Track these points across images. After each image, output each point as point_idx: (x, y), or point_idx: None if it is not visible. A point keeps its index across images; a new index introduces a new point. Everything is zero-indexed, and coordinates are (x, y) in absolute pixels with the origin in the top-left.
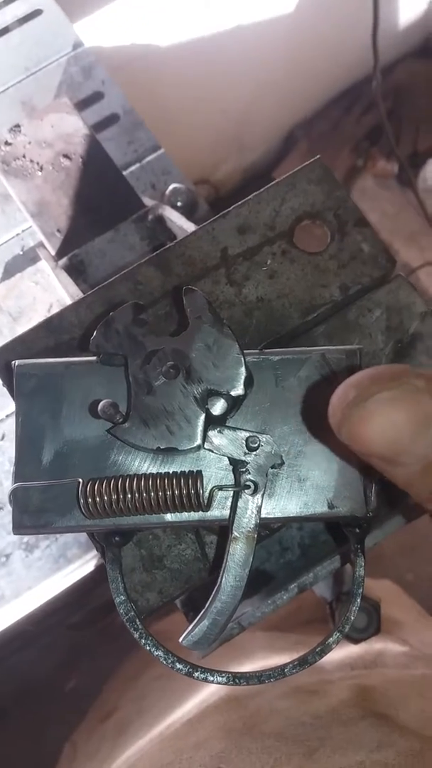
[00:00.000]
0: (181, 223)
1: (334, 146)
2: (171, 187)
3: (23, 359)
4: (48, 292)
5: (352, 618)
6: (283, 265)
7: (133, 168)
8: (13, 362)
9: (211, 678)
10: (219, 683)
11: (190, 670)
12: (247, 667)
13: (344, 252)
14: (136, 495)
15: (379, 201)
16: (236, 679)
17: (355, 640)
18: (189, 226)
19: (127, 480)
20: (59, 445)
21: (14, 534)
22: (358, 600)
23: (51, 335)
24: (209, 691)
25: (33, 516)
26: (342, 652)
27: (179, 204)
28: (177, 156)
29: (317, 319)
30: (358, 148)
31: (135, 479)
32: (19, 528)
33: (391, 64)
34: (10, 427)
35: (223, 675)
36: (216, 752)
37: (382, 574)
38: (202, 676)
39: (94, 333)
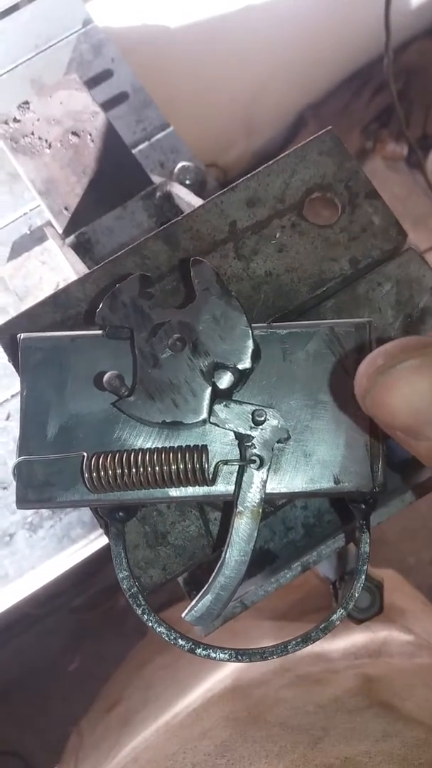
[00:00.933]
0: (189, 199)
1: (344, 129)
2: (179, 165)
3: (27, 333)
4: (55, 271)
5: (356, 595)
6: (292, 238)
7: (142, 146)
8: (19, 335)
9: (213, 654)
10: (221, 659)
11: (193, 646)
12: None
13: (355, 224)
14: (141, 469)
15: (388, 183)
16: (239, 655)
17: (359, 621)
18: (197, 202)
19: (132, 454)
20: (64, 419)
21: (18, 508)
22: (363, 577)
23: (58, 310)
24: (214, 681)
25: (37, 490)
26: (347, 641)
27: (188, 182)
28: (186, 139)
29: (326, 294)
30: (367, 131)
31: (140, 453)
32: (22, 502)
33: (403, 44)
34: (15, 406)
35: (226, 651)
36: (221, 741)
37: (384, 558)
38: (204, 652)
39: (100, 305)
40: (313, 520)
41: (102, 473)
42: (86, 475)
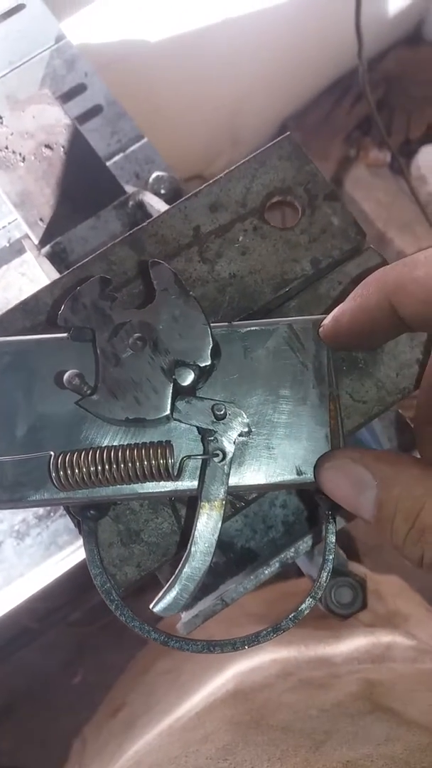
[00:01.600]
0: (160, 207)
1: (327, 137)
2: (154, 174)
3: None
4: (34, 283)
5: (323, 583)
6: (254, 241)
7: (117, 158)
8: None
9: (186, 647)
10: (194, 651)
11: (165, 639)
12: (256, 660)
13: (315, 226)
14: (107, 466)
15: (372, 190)
16: (210, 646)
17: (342, 616)
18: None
19: (97, 451)
20: (32, 420)
21: None
22: (329, 566)
23: (27, 316)
24: (217, 685)
25: (8, 490)
26: (350, 646)
27: (163, 191)
28: (171, 152)
29: (289, 294)
30: (350, 139)
31: (105, 451)
32: None
33: (382, 52)
34: None
35: (198, 643)
36: (223, 745)
37: (387, 564)
38: (177, 644)
39: (62, 307)
40: (292, 518)
41: (69, 471)
42: (53, 474)
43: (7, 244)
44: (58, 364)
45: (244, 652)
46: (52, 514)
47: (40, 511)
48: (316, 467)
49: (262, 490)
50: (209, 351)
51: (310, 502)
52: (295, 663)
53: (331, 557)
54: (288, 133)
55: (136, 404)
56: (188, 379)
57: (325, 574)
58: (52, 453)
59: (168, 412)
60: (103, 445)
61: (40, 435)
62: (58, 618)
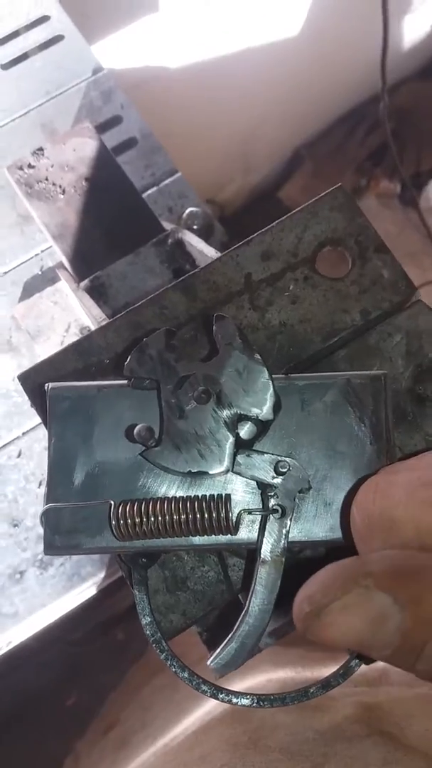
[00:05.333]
0: (201, 248)
1: (339, 167)
2: (188, 210)
3: (55, 382)
4: (66, 311)
5: None
6: (305, 290)
7: (150, 191)
8: (47, 385)
9: (235, 700)
10: (244, 705)
11: (215, 692)
12: (251, 681)
13: (365, 278)
14: (167, 517)
15: (381, 221)
16: (260, 701)
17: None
18: (209, 251)
19: (158, 503)
20: (90, 467)
21: (45, 554)
22: None
23: (80, 358)
24: (214, 704)
25: (64, 537)
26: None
27: (195, 227)
28: (185, 176)
29: (338, 344)
30: (361, 169)
31: (165, 502)
32: (50, 549)
33: (395, 85)
34: (26, 444)
35: (248, 697)
36: (220, 765)
37: None
38: (226, 698)
39: (128, 358)
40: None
41: (129, 521)
42: (114, 523)
43: (40, 272)
44: (118, 412)
45: (236, 672)
46: None
47: None
48: (299, 613)
49: (319, 546)
50: (272, 405)
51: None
52: (291, 684)
53: None
54: (339, 184)
55: (200, 457)
56: (251, 433)
57: None
58: (111, 502)
59: (229, 465)
60: (160, 495)
61: (97, 482)
62: (57, 636)
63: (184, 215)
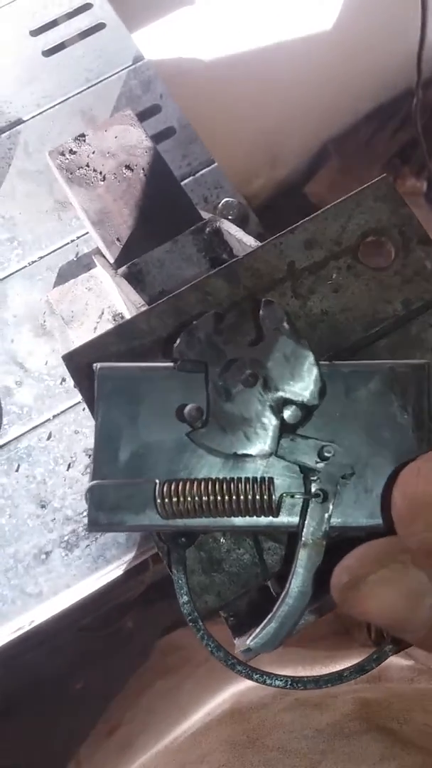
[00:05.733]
0: (240, 236)
1: (366, 163)
2: (224, 200)
3: (102, 362)
4: (100, 298)
5: None
6: (348, 279)
7: (186, 181)
8: (95, 365)
9: (269, 681)
10: (277, 686)
11: (250, 672)
12: (234, 675)
13: (408, 268)
14: (211, 497)
15: None
16: (294, 682)
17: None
18: (248, 239)
19: (203, 483)
20: (135, 447)
21: (89, 531)
22: None
23: (122, 341)
24: (214, 705)
25: (108, 514)
26: (346, 666)
27: (230, 217)
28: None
29: (380, 333)
30: (389, 166)
31: (210, 482)
32: (94, 525)
33: (427, 81)
34: (57, 426)
35: (281, 678)
36: (219, 765)
37: None
38: (261, 678)
39: (177, 340)
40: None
41: (174, 500)
42: (159, 501)
43: (75, 259)
44: (164, 393)
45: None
46: None
47: None
48: (338, 583)
49: (358, 532)
50: (318, 390)
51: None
52: None
53: None
54: (384, 174)
55: (245, 439)
56: (295, 417)
57: None
58: (157, 480)
59: (274, 449)
60: (202, 477)
61: (141, 461)
62: (69, 621)
63: (220, 205)
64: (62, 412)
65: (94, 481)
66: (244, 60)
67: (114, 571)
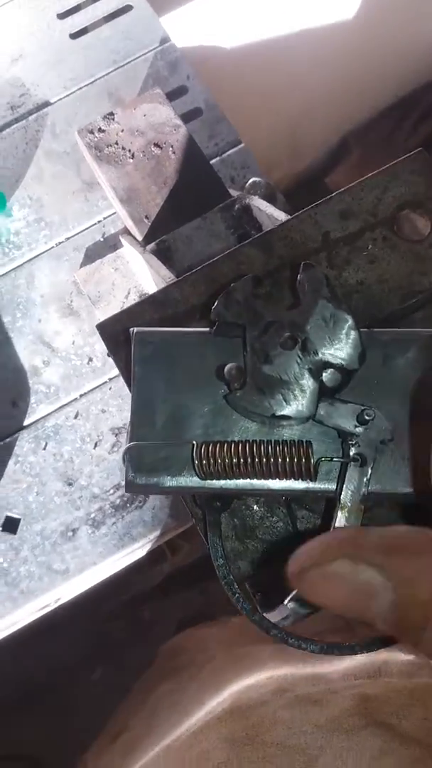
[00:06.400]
0: (271, 212)
1: (387, 155)
2: (251, 180)
3: (140, 327)
4: (127, 278)
5: None
6: (383, 251)
7: (213, 161)
8: (132, 330)
9: (304, 645)
10: (313, 651)
11: (285, 636)
12: (255, 677)
13: None
14: (249, 459)
15: None
16: (330, 648)
17: None
18: (279, 214)
19: (242, 444)
20: (172, 410)
21: (126, 492)
22: None
23: (156, 309)
24: (214, 703)
25: (145, 475)
26: (346, 662)
27: (257, 197)
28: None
29: (415, 305)
30: None
31: (248, 444)
32: (131, 486)
33: None
34: (84, 405)
35: (317, 644)
36: (219, 762)
37: None
38: (295, 642)
39: (215, 302)
40: None
41: (212, 461)
42: (197, 462)
43: (102, 239)
44: (201, 357)
45: (241, 670)
46: (128, 505)
47: (117, 500)
48: (290, 565)
49: (395, 498)
50: (357, 355)
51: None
52: (292, 680)
53: None
54: (420, 148)
55: (284, 402)
56: (335, 381)
57: None
58: (194, 442)
59: (313, 412)
60: (243, 440)
61: (178, 424)
62: (86, 611)
63: (247, 185)
64: (89, 391)
65: (132, 443)
66: (266, 50)
67: (140, 549)
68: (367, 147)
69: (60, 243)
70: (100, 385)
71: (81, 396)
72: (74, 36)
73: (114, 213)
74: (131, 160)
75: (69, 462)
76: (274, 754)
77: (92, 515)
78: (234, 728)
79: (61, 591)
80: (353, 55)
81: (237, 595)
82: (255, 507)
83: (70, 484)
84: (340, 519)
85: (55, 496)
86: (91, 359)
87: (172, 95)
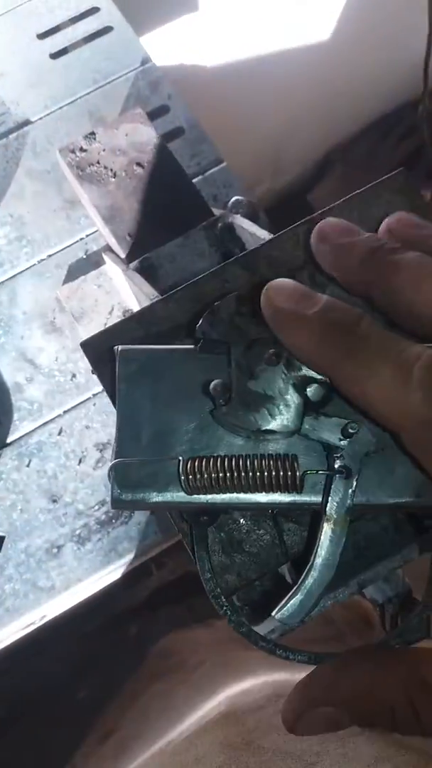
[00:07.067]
0: (254, 230)
1: (370, 172)
2: (233, 198)
3: (124, 345)
4: (110, 295)
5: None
6: None
7: (196, 180)
8: (116, 347)
9: (292, 656)
10: (300, 661)
11: (272, 647)
12: (249, 682)
13: None
14: (235, 473)
15: None
16: (317, 658)
17: (408, 642)
18: (261, 233)
19: (227, 459)
20: (157, 427)
21: (112, 508)
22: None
23: (140, 327)
24: (209, 707)
25: (131, 491)
26: None
27: (240, 215)
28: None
29: None
30: None
31: (234, 458)
32: (117, 502)
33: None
34: (67, 422)
35: (304, 654)
36: (215, 767)
37: None
38: (284, 654)
39: (200, 320)
40: (363, 543)
41: (198, 476)
42: (183, 477)
43: (84, 256)
44: (186, 374)
45: (235, 674)
46: (114, 521)
47: (103, 516)
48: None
49: (380, 509)
50: None
51: (386, 528)
52: (287, 685)
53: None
54: (402, 168)
55: (269, 417)
56: (319, 395)
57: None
58: (180, 457)
59: (298, 426)
60: (228, 454)
61: (163, 441)
62: (69, 630)
63: (230, 203)
64: (73, 407)
65: (118, 459)
66: (248, 68)
67: (126, 565)
68: (350, 164)
69: (42, 260)
70: (84, 401)
71: (65, 412)
72: (54, 56)
73: (96, 230)
74: (113, 179)
75: (53, 479)
76: (271, 759)
77: (77, 532)
78: (229, 733)
79: (46, 608)
80: (335, 73)
81: (225, 608)
82: (241, 521)
83: (54, 501)
84: (326, 531)
85: (40, 513)
86: (74, 375)
87: (154, 115)
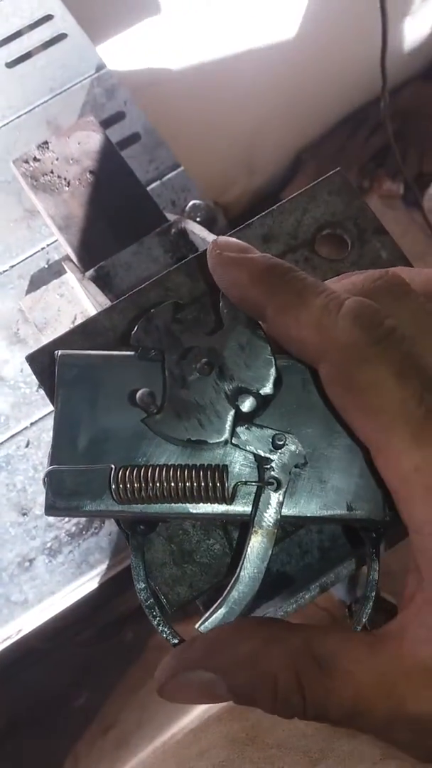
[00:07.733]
0: (204, 235)
1: (342, 168)
2: (191, 203)
3: (64, 350)
4: (72, 303)
5: (364, 620)
6: (305, 271)
7: (154, 185)
8: (56, 352)
9: None
10: None
11: None
12: None
13: (364, 258)
14: (165, 484)
15: (385, 222)
16: None
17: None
18: (212, 238)
19: (157, 469)
20: (94, 433)
21: (46, 515)
22: (371, 603)
23: (86, 338)
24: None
25: (65, 499)
26: None
27: (198, 219)
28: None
29: None
30: (364, 170)
31: (164, 469)
32: (51, 510)
33: (398, 86)
34: (34, 434)
35: None
36: (219, 761)
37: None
38: None
39: (135, 328)
40: (328, 543)
41: (128, 485)
42: (113, 486)
43: (46, 266)
44: (124, 381)
45: None
46: (84, 532)
47: (73, 528)
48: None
49: (312, 522)
50: (272, 381)
51: (345, 532)
52: None
53: (373, 594)
54: (338, 168)
55: (199, 427)
56: (251, 406)
57: (367, 611)
58: (113, 466)
59: (228, 437)
60: (161, 464)
61: (100, 448)
62: (65, 638)
63: (187, 208)
64: (40, 419)
65: (52, 467)
66: (214, 70)
67: (98, 576)
68: (321, 160)
69: (4, 271)
70: (51, 412)
71: (31, 424)
72: (10, 65)
73: (57, 240)
74: (67, 188)
75: (22, 492)
76: (276, 755)
77: (48, 544)
78: (234, 728)
79: (21, 622)
80: (302, 73)
81: (158, 619)
82: (191, 531)
83: (24, 514)
84: (254, 543)
85: (10, 527)
86: (40, 387)
87: (110, 121)
